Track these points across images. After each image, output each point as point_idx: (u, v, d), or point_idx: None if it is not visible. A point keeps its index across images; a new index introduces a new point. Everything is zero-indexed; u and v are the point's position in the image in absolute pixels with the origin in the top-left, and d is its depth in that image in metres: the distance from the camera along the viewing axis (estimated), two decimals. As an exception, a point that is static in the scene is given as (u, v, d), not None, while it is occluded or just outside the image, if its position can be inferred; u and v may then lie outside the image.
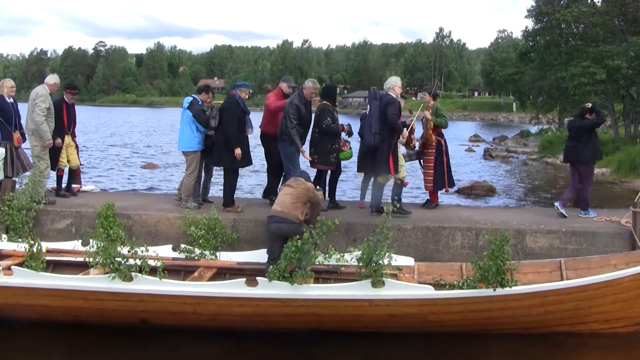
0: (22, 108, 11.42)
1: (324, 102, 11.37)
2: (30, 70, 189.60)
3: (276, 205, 9.06)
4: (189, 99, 11.79)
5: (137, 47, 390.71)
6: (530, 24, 38.57)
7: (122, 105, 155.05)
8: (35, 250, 8.43)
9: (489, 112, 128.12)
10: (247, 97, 11.36)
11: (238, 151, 10.87)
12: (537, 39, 38.44)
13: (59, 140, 11.54)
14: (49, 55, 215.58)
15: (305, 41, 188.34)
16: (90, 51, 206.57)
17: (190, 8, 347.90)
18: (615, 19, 33.83)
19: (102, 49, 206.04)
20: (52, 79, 11.85)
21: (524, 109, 70.60)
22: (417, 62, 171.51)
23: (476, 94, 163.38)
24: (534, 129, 52.41)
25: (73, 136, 12.15)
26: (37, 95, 11.23)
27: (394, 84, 11.32)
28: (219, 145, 11.10)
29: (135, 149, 37.70)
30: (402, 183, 11.69)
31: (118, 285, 7.72)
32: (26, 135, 11.40)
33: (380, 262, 7.75)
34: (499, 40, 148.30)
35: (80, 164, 12.84)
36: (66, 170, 12.12)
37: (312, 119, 11.46)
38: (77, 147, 12.24)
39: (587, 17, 32.94)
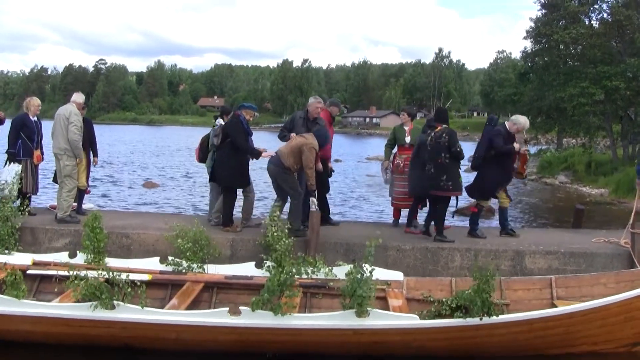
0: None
1: (445, 125, 11.15)
2: (30, 87, 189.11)
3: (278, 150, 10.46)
4: (220, 121, 11.95)
5: (137, 65, 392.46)
6: (528, 45, 38.69)
7: (121, 123, 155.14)
8: (15, 277, 8.27)
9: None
10: (251, 119, 11.41)
11: (268, 152, 11.09)
12: (535, 59, 38.57)
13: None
14: (49, 73, 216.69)
15: (305, 60, 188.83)
16: (91, 69, 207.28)
17: (190, 26, 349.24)
18: (612, 40, 33.97)
19: (102, 66, 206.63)
20: (80, 97, 11.91)
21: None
22: (416, 82, 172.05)
23: (475, 114, 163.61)
24: (533, 150, 52.41)
25: (93, 155, 12.37)
26: (71, 114, 11.31)
27: (516, 122, 11.56)
28: (220, 164, 11.15)
29: (135, 167, 37.66)
30: (482, 209, 11.96)
31: (100, 314, 7.66)
32: (57, 155, 11.38)
33: (364, 294, 7.66)
34: (498, 60, 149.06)
35: (89, 185, 12.84)
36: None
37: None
38: (88, 166, 12.29)
39: (585, 38, 33.06)
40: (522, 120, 11.61)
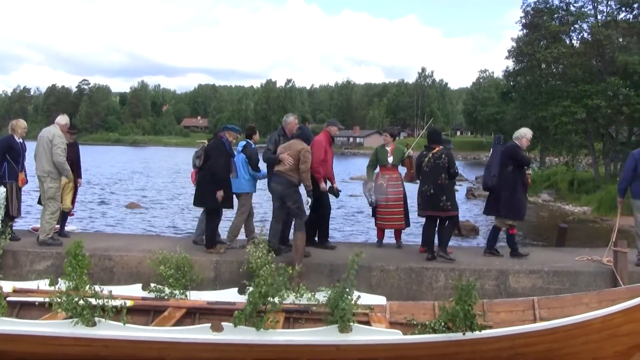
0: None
1: (442, 146, 11.19)
2: (12, 107, 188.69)
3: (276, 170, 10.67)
4: (243, 142, 11.94)
5: (120, 85, 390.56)
6: (511, 64, 39.05)
7: (105, 143, 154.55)
8: None
9: (472, 151, 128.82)
10: (234, 140, 11.44)
11: (220, 193, 10.88)
12: (517, 79, 38.88)
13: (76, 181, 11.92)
14: (32, 93, 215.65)
15: (288, 80, 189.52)
16: (74, 89, 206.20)
17: (174, 46, 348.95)
18: (593, 59, 34.32)
19: (85, 87, 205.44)
20: (64, 119, 11.83)
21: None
22: (399, 101, 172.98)
23: (458, 133, 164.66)
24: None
25: (77, 176, 12.22)
26: (55, 136, 11.23)
27: (523, 135, 11.54)
28: (202, 186, 11.11)
29: (118, 188, 37.54)
30: (499, 229, 11.84)
31: (80, 331, 7.55)
32: (40, 177, 11.32)
33: (347, 307, 7.64)
34: (481, 80, 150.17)
35: (73, 208, 12.70)
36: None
37: None
38: (75, 188, 12.22)
39: (567, 57, 33.39)
40: (524, 130, 11.75)
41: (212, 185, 10.90)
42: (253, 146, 11.86)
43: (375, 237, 12.86)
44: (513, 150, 11.29)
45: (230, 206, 11.45)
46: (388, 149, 12.28)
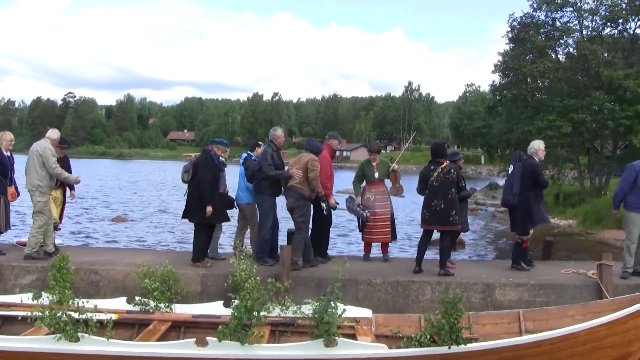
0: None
1: (449, 161, 11.22)
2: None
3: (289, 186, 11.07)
4: (244, 155, 12.22)
5: (106, 98, 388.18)
6: (497, 78, 39.12)
7: (90, 157, 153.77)
8: None
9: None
10: (222, 154, 11.51)
11: (209, 209, 10.92)
12: (504, 93, 38.96)
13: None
14: (16, 106, 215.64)
15: (275, 94, 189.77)
16: (59, 102, 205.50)
17: (160, 60, 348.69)
18: (578, 74, 34.52)
19: (71, 99, 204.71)
20: (55, 134, 11.81)
21: (492, 162, 71.45)
22: (386, 115, 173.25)
23: (445, 146, 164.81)
24: (502, 182, 52.88)
25: (70, 189, 12.26)
26: (45, 149, 11.22)
27: (537, 148, 11.73)
28: (190, 200, 11.12)
29: (104, 201, 37.41)
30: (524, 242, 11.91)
31: (64, 347, 7.47)
32: (30, 191, 11.29)
33: (332, 321, 7.63)
34: (467, 94, 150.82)
35: (61, 222, 12.65)
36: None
37: (284, 166, 11.66)
38: (64, 202, 12.18)
39: (552, 72, 33.56)
40: (537, 142, 12.03)
41: (200, 199, 10.91)
42: (254, 159, 11.97)
43: (362, 251, 12.91)
44: (534, 170, 11.49)
45: (224, 220, 11.54)
46: (374, 163, 12.33)
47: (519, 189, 11.50)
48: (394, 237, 12.50)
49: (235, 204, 12.23)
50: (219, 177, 11.26)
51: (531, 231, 11.84)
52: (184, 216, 11.54)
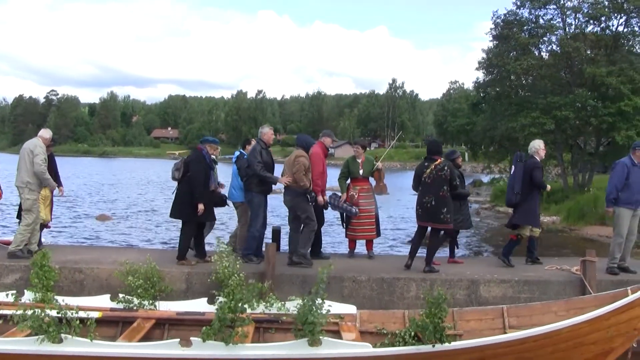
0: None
1: (443, 158, 11.31)
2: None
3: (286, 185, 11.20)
4: (237, 153, 12.32)
5: (89, 96, 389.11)
6: (481, 75, 39.12)
7: (74, 155, 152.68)
8: None
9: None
10: (215, 153, 11.62)
11: (201, 207, 10.95)
12: (487, 90, 39.02)
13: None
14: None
15: (259, 91, 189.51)
16: (42, 100, 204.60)
17: (144, 57, 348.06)
18: (562, 71, 34.66)
19: (53, 97, 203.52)
20: (47, 133, 11.81)
21: (475, 159, 71.44)
22: (370, 112, 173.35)
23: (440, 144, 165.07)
24: (486, 179, 53.14)
25: (57, 185, 12.09)
26: (35, 147, 11.21)
27: (538, 148, 11.96)
28: (180, 198, 11.12)
29: (87, 199, 37.24)
30: (535, 237, 12.21)
31: (46, 348, 7.41)
32: (19, 188, 11.27)
33: (316, 321, 7.63)
34: (451, 91, 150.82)
35: (50, 220, 12.57)
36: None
37: (273, 163, 11.71)
38: (52, 200, 12.12)
39: (536, 69, 33.67)
40: (537, 142, 12.28)
41: (191, 197, 10.92)
42: (246, 157, 11.94)
43: (347, 248, 12.92)
44: (531, 168, 11.72)
45: (212, 218, 11.55)
46: (359, 160, 12.36)
47: (520, 188, 11.68)
48: (378, 234, 12.55)
49: (231, 203, 12.27)
50: (210, 175, 11.26)
51: (534, 229, 12.02)
52: (172, 215, 11.53)
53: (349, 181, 12.50)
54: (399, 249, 19.47)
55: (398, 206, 34.96)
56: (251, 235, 11.54)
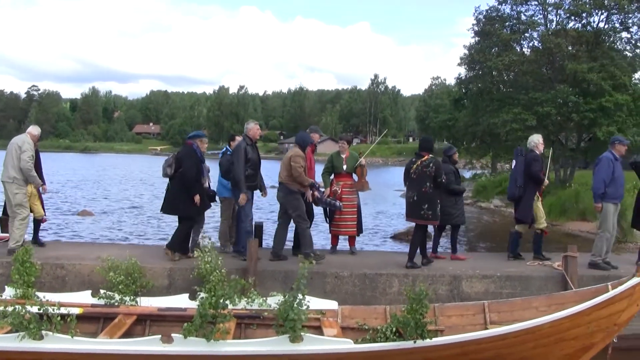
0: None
1: (431, 155, 11.29)
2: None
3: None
4: (224, 149, 12.37)
5: (71, 91, 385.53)
6: (463, 71, 39.25)
7: (55, 150, 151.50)
8: None
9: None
10: (206, 145, 11.69)
11: (197, 198, 11.01)
12: (469, 86, 39.15)
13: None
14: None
15: (241, 87, 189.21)
16: (23, 95, 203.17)
17: (125, 52, 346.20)
18: (543, 67, 34.82)
19: (35, 93, 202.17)
20: (36, 130, 11.82)
21: (458, 154, 71.76)
22: (352, 108, 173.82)
23: (411, 139, 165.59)
24: (468, 174, 53.24)
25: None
26: (24, 143, 11.17)
27: (537, 142, 12.16)
28: (173, 194, 11.15)
29: (68, 195, 37.01)
30: (543, 232, 12.29)
31: (27, 345, 7.37)
32: (5, 183, 11.23)
33: (297, 318, 7.62)
34: (433, 87, 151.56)
35: (45, 215, 12.46)
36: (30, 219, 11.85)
37: (260, 159, 11.63)
38: (40, 196, 12.02)
39: (517, 65, 33.82)
40: (536, 137, 12.55)
41: (185, 192, 10.94)
42: (230, 153, 12.01)
43: (330, 244, 12.95)
44: (529, 162, 11.90)
45: (201, 218, 11.77)
46: (343, 156, 12.37)
47: (522, 181, 11.88)
48: (360, 230, 12.59)
49: (218, 198, 12.31)
50: (202, 170, 11.28)
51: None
52: (166, 211, 11.54)
53: (332, 176, 12.51)
54: (382, 244, 19.51)
55: (380, 202, 35.04)
56: (243, 231, 11.49)
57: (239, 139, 12.24)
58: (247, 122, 11.84)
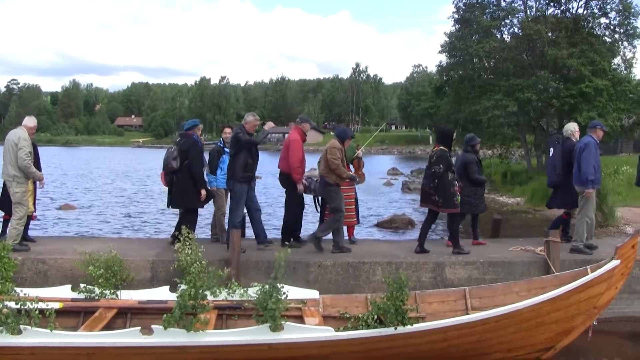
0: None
1: (442, 147, 11.40)
2: None
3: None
4: (218, 142, 12.35)
5: (51, 84, 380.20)
6: (444, 59, 39.37)
7: (36, 144, 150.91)
8: None
9: (407, 146, 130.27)
10: (199, 133, 11.69)
11: (204, 192, 11.10)
12: (451, 73, 39.21)
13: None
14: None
15: (223, 78, 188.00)
16: (2, 89, 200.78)
17: (105, 45, 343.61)
18: (524, 53, 34.96)
19: (14, 87, 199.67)
20: (31, 122, 11.67)
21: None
22: (334, 97, 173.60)
23: (393, 127, 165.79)
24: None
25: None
26: (20, 139, 11.02)
27: (573, 130, 12.24)
28: (181, 187, 11.12)
29: (51, 190, 36.75)
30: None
31: (6, 340, 7.35)
32: (6, 182, 11.13)
33: (277, 307, 7.64)
34: (415, 74, 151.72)
35: (35, 211, 12.28)
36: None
37: (258, 152, 11.53)
38: (35, 191, 11.89)
39: (498, 52, 33.97)
40: (572, 125, 12.61)
41: (194, 185, 11.03)
42: (220, 145, 12.25)
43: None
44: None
45: (208, 201, 11.75)
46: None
47: (561, 169, 11.99)
48: (358, 220, 12.69)
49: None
50: (204, 160, 11.34)
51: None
52: (175, 205, 11.55)
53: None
54: (367, 233, 19.54)
55: (364, 190, 35.07)
56: (231, 225, 11.44)
57: (228, 130, 12.30)
58: (247, 115, 11.76)
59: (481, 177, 12.57)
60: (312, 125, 12.74)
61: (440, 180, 11.11)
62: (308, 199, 12.47)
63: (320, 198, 12.39)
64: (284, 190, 12.07)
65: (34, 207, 12.04)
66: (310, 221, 16.26)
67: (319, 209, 12.57)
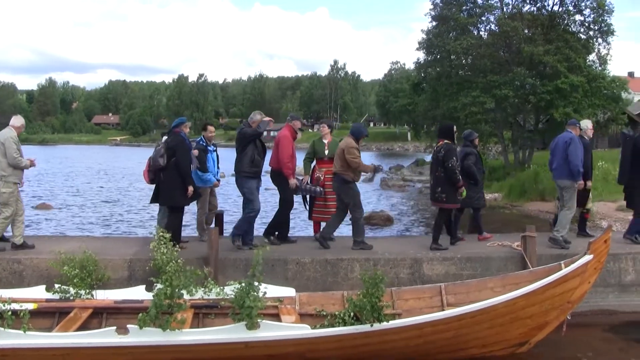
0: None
1: (446, 141, 11.41)
2: None
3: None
4: (198, 139, 12.23)
5: (27, 83, 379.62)
6: (421, 55, 39.43)
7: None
8: None
9: (385, 142, 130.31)
10: (187, 130, 11.62)
11: (191, 189, 11.00)
12: (428, 70, 39.35)
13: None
14: None
15: (200, 75, 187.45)
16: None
17: (82, 42, 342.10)
18: (500, 50, 35.15)
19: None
20: (18, 121, 11.54)
21: (418, 139, 72.23)
22: (312, 94, 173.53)
23: (372, 124, 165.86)
24: (428, 158, 53.55)
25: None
26: (7, 139, 10.89)
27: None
28: (168, 184, 11.01)
29: (26, 188, 36.41)
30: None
31: None
32: None
33: (253, 304, 7.63)
34: (393, 71, 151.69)
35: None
36: None
37: (265, 148, 11.58)
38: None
39: (475, 49, 34.15)
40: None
41: (181, 182, 10.92)
42: (201, 142, 12.18)
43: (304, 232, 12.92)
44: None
45: (195, 199, 11.69)
46: (325, 141, 12.36)
47: (629, 166, 12.13)
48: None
49: None
50: (192, 158, 11.28)
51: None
52: (161, 202, 11.42)
53: (314, 163, 12.50)
54: (345, 230, 19.58)
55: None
56: (245, 218, 11.43)
57: (210, 128, 12.31)
58: (254, 114, 11.79)
59: (481, 169, 12.66)
60: (302, 122, 12.67)
61: (445, 176, 11.17)
62: (297, 198, 12.41)
63: (309, 197, 12.38)
64: (276, 188, 12.05)
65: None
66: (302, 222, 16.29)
67: (307, 208, 12.57)
